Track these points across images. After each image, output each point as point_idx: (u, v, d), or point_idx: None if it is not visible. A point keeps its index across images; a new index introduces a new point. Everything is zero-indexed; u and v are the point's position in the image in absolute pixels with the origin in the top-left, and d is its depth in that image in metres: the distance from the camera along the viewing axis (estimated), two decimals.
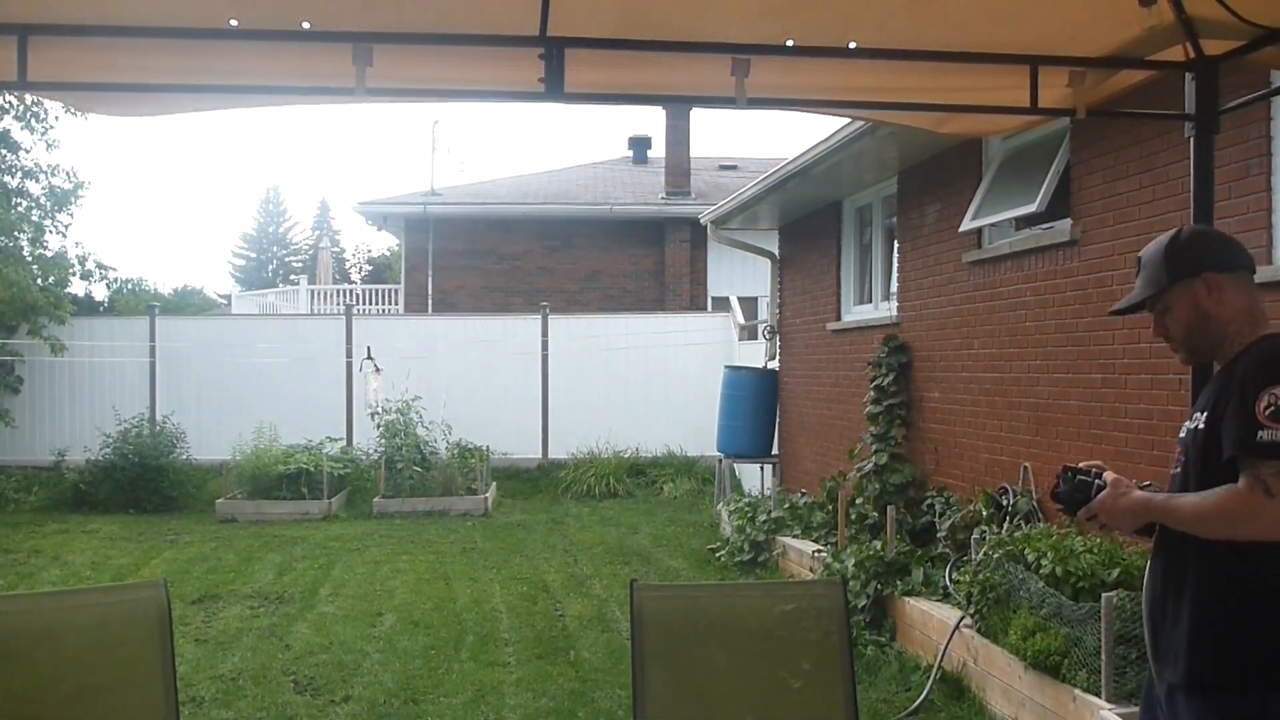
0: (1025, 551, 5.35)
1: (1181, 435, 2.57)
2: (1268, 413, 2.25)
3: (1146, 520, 2.49)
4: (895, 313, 8.62)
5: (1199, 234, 2.66)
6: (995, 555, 5.52)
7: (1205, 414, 2.42)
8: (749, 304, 16.80)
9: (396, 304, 24.16)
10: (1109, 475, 2.54)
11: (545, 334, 15.55)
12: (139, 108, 3.53)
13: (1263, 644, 2.30)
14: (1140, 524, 2.51)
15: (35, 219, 14.60)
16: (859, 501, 8.16)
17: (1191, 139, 3.45)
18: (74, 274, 14.84)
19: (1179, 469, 2.52)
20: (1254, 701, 2.29)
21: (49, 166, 14.78)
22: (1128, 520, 2.51)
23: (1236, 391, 2.32)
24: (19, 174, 14.56)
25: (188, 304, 34.14)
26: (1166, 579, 2.48)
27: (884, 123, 4.67)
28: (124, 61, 3.16)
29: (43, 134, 14.42)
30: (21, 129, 14.24)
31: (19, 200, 14.50)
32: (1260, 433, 2.25)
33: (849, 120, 7.17)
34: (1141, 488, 2.53)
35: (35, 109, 14.02)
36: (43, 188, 14.72)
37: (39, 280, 14.12)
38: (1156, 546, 2.54)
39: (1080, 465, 2.62)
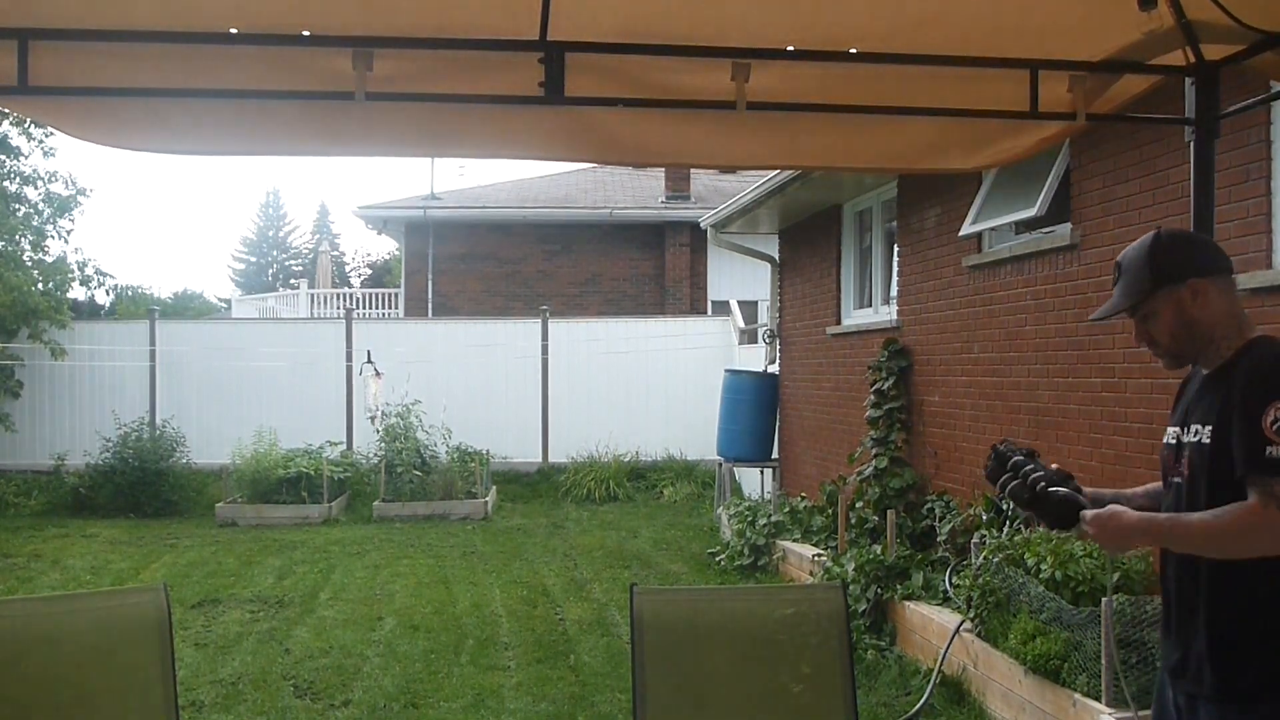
0: (1025, 556, 5.35)
1: (1169, 442, 2.53)
2: (1275, 428, 2.24)
3: (1147, 541, 2.45)
4: (895, 317, 8.62)
5: (1180, 238, 2.62)
6: (995, 559, 5.52)
7: (1210, 428, 2.39)
8: (749, 308, 16.78)
9: (396, 308, 24.17)
10: (1111, 509, 2.46)
11: (545, 338, 15.56)
12: (145, 140, 3.54)
13: None
14: (1137, 545, 2.48)
15: (37, 225, 14.59)
16: (859, 505, 8.16)
17: (1191, 143, 3.45)
18: (74, 279, 14.85)
19: (1179, 479, 2.46)
20: (1274, 709, 2.28)
21: (47, 173, 14.78)
22: (1126, 540, 2.48)
23: (1240, 407, 2.30)
24: (17, 179, 14.55)
25: (188, 308, 34.10)
26: (1180, 586, 2.45)
27: (910, 171, 4.47)
28: (123, 67, 3.16)
29: (40, 141, 14.42)
30: (19, 134, 14.23)
31: (18, 206, 14.50)
32: (1269, 449, 2.23)
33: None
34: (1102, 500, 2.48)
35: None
36: (40, 194, 14.72)
37: (39, 285, 14.12)
38: (1164, 551, 2.51)
39: (1008, 446, 2.57)
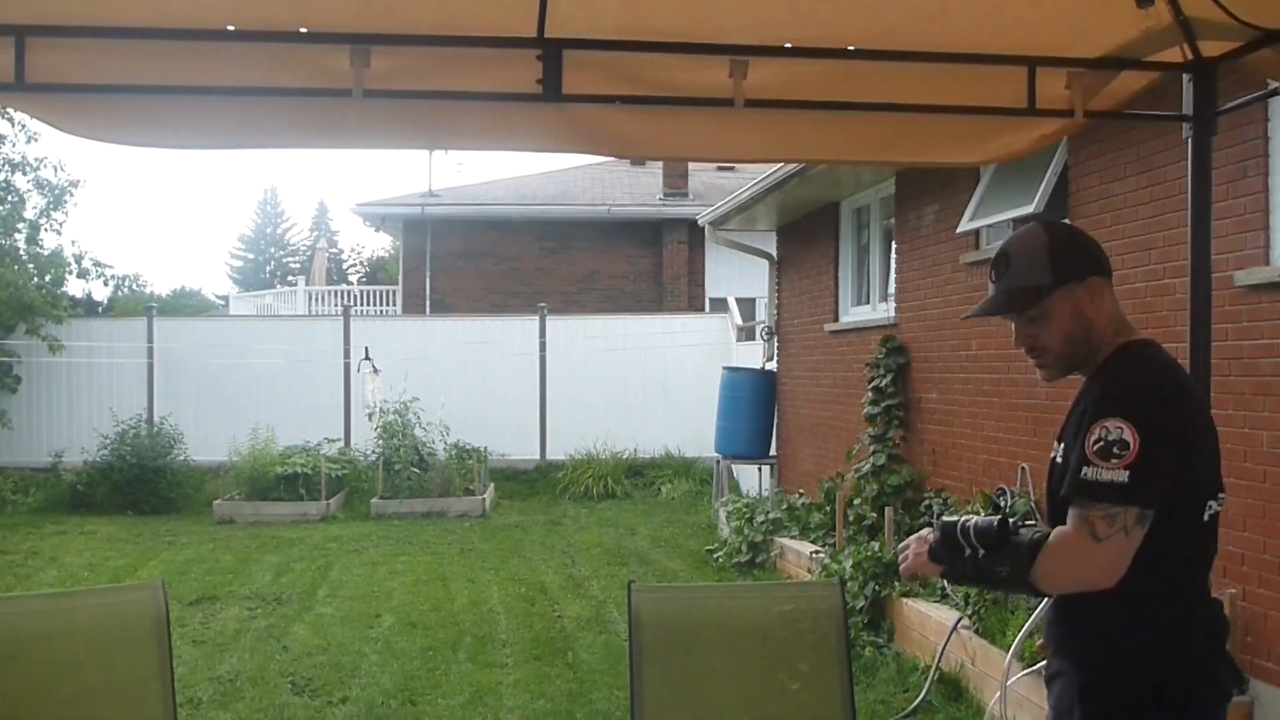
0: None
1: (1055, 459, 2.30)
2: (1096, 448, 2.03)
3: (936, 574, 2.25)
4: (893, 314, 8.62)
5: (1076, 233, 2.40)
6: None
7: (1063, 445, 2.21)
8: (747, 305, 16.80)
9: (394, 305, 24.15)
10: (920, 535, 2.29)
11: (543, 335, 15.56)
12: (142, 135, 3.53)
13: (1151, 679, 2.11)
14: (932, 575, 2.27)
15: (30, 217, 14.52)
16: (857, 502, 8.16)
17: (1189, 140, 3.45)
18: (70, 272, 14.79)
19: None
20: None
21: (35, 159, 14.68)
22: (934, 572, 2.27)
23: (1082, 425, 2.10)
24: (6, 166, 14.46)
25: (185, 305, 34.12)
26: (1058, 631, 2.25)
27: (912, 164, 4.47)
28: (121, 65, 3.16)
29: (23, 126, 14.34)
30: (2, 119, 14.13)
31: (6, 194, 14.40)
32: (1085, 469, 2.03)
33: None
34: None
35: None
36: (30, 180, 14.62)
37: (36, 279, 14.08)
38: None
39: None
